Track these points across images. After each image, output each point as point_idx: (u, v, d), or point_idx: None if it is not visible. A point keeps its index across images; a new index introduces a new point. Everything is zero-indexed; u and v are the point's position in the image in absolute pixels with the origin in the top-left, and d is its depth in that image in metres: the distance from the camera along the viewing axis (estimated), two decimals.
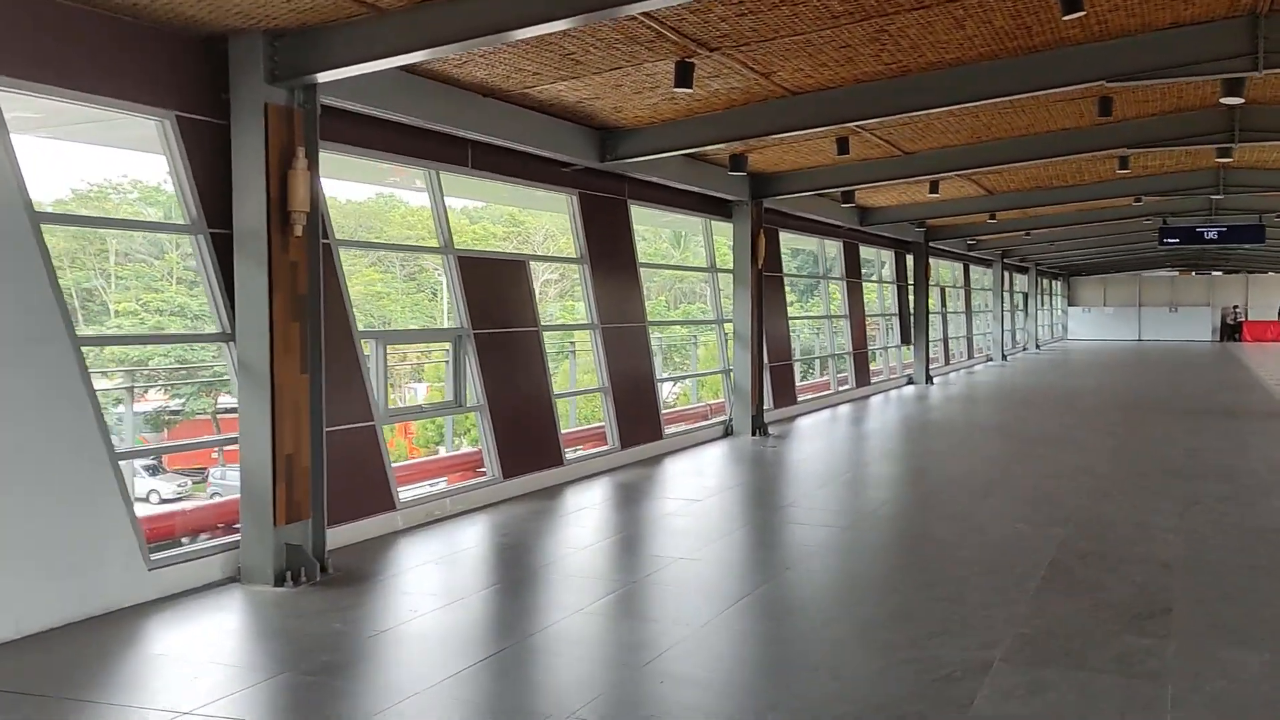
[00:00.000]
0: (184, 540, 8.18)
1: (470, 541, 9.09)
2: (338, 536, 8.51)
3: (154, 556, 7.21)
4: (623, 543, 8.97)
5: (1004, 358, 35.38)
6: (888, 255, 25.70)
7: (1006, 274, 37.02)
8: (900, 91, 10.11)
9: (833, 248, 21.79)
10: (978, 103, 10.15)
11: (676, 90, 9.25)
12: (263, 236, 7.44)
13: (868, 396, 22.54)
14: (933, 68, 9.80)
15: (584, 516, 10.07)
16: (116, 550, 6.88)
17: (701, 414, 16.28)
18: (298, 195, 7.54)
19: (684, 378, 17.48)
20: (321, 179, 7.98)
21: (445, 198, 10.57)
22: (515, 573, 7.98)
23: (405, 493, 9.94)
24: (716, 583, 7.67)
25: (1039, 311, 44.90)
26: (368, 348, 9.31)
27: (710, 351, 21.22)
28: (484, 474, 10.79)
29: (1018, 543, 8.68)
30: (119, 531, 6.89)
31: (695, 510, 10.23)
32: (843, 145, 12.90)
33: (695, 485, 11.79)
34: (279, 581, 7.49)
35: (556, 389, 12.30)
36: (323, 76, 7.50)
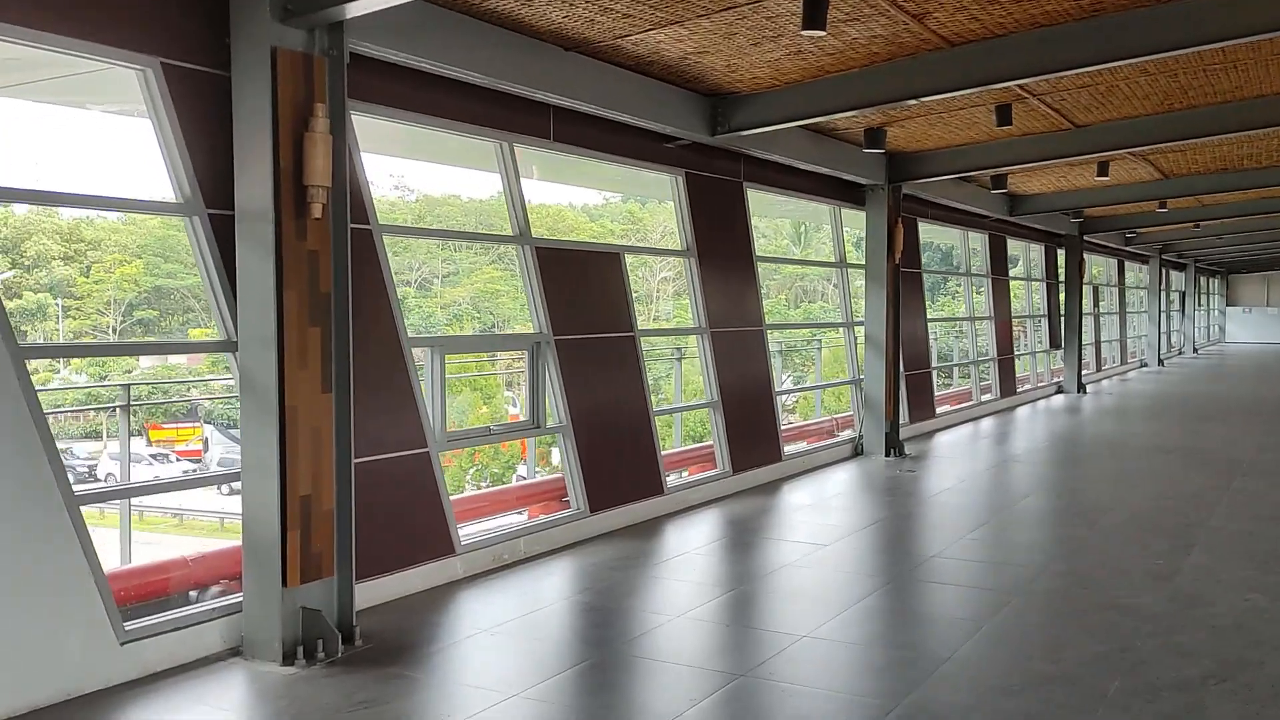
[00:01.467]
0: (193, 595, 6.62)
1: (545, 598, 7.33)
2: (376, 591, 6.87)
3: (129, 626, 5.65)
4: (731, 608, 7.07)
5: (1160, 362, 32.05)
6: (1036, 250, 23.04)
7: (1164, 271, 33.60)
8: (1091, 37, 7.91)
9: (976, 240, 19.36)
10: (1195, 49, 7.86)
11: (804, 35, 7.30)
12: (270, 219, 5.81)
13: (1013, 408, 20.04)
14: (1135, 4, 7.59)
15: (685, 565, 8.20)
16: (75, 619, 5.33)
17: (826, 429, 14.25)
18: (315, 166, 5.88)
19: (807, 389, 15.40)
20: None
21: (539, 182, 8.85)
22: (596, 650, 6.17)
23: (469, 530, 8.26)
24: (849, 680, 5.71)
25: (1195, 312, 41.02)
26: (421, 358, 7.65)
27: (835, 356, 19.17)
28: (568, 505, 9.03)
29: (1257, 622, 6.46)
30: (78, 594, 5.34)
31: (819, 561, 8.24)
32: (1003, 115, 10.69)
33: (819, 524, 9.78)
34: (289, 658, 5.87)
35: (657, 403, 10.45)
36: (352, 9, 5.80)
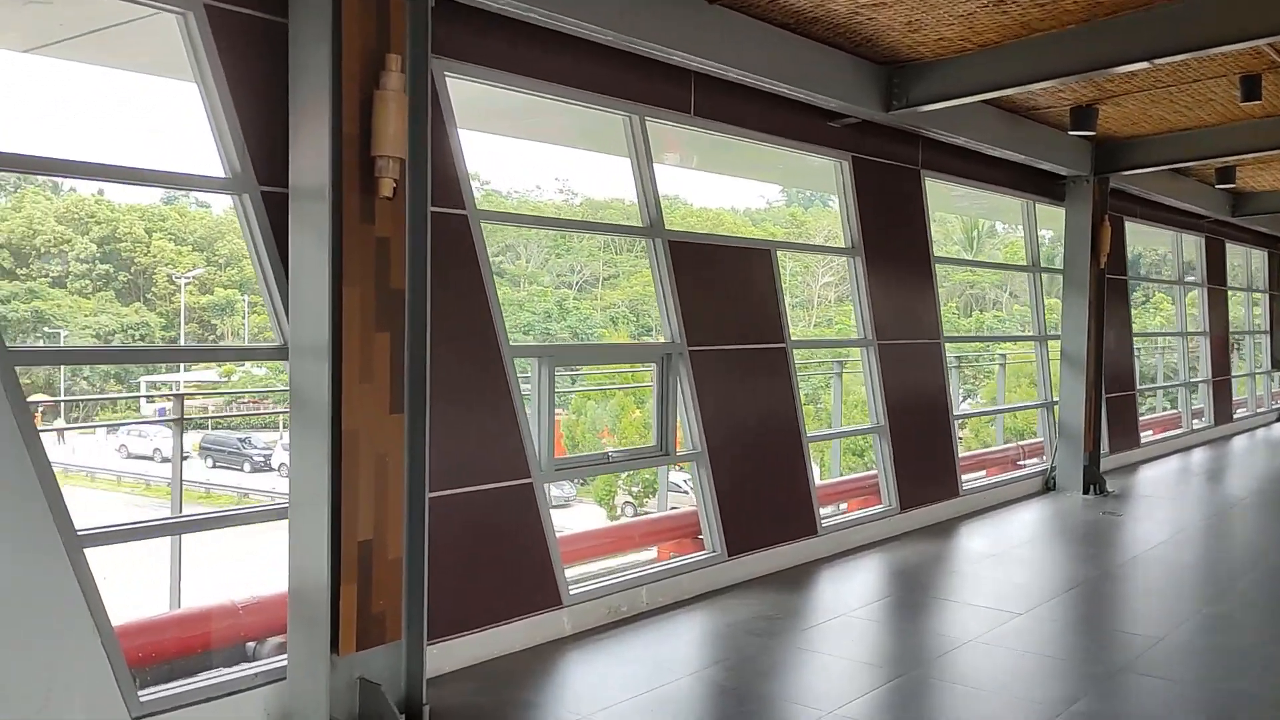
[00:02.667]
0: (250, 647, 5.58)
1: (668, 669, 5.97)
2: (458, 653, 5.68)
3: (145, 695, 4.62)
4: (897, 705, 5.54)
5: None
6: (1259, 256, 20.23)
7: None
8: None
9: (1190, 244, 16.92)
10: None
11: None
12: (326, 197, 4.67)
13: (1229, 437, 17.47)
14: None
15: (840, 633, 6.70)
16: (74, 687, 4.32)
17: (1010, 458, 12.38)
18: (386, 131, 4.72)
19: (991, 412, 13.47)
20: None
21: (689, 170, 7.55)
22: None
23: (580, 571, 7.00)
24: None
25: None
26: (525, 369, 6.46)
27: (1021, 371, 17.07)
28: (700, 542, 7.66)
29: None
30: (79, 655, 4.33)
31: (1009, 638, 6.60)
32: (1250, 87, 8.72)
33: (1006, 583, 8.08)
34: None
35: (811, 426, 8.98)
36: None
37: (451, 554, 5.73)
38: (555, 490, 33.93)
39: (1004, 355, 14.23)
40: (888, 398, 9.38)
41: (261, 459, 32.25)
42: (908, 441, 9.61)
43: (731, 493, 7.64)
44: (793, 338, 8.32)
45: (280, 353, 5.16)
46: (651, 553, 8.16)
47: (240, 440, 37.29)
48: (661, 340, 7.32)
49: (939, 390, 10.18)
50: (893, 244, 9.58)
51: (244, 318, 47.32)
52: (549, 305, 44.49)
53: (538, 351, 6.36)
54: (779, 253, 8.25)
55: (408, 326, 5.02)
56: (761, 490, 7.99)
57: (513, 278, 49.09)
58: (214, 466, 32.87)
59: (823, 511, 8.87)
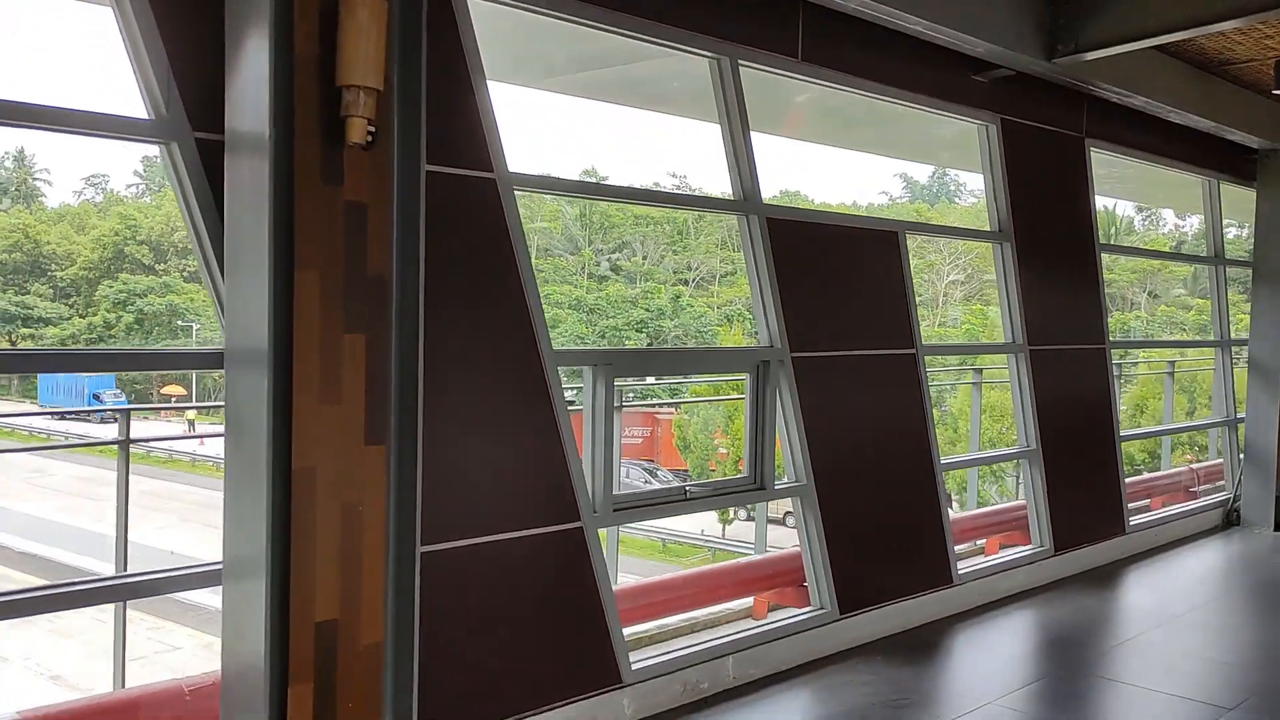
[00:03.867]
0: None
1: None
2: None
3: None
4: None
5: None
6: None
7: None
8: None
9: None
10: None
11: None
12: (266, 145, 3.28)
13: None
14: None
15: None
16: None
17: (1183, 485, 10.33)
18: (358, 53, 3.31)
19: (1166, 432, 11.31)
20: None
21: (773, 135, 6.00)
22: None
23: (643, 629, 5.50)
24: None
25: None
26: (574, 381, 5.00)
27: (1192, 382, 14.80)
28: (806, 592, 6.05)
29: None
30: None
31: None
32: None
33: (1195, 659, 6.23)
34: None
35: (943, 451, 7.27)
36: None
37: (467, 624, 4.30)
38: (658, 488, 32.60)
39: (1172, 363, 12.09)
40: (1040, 415, 7.58)
41: None
42: (1064, 468, 7.78)
43: (844, 534, 6.02)
44: (923, 342, 6.62)
45: (209, 360, 3.81)
46: (746, 602, 6.59)
47: None
48: (756, 344, 5.74)
49: (1103, 405, 8.29)
50: (1050, 228, 7.76)
51: None
52: (662, 302, 43.09)
53: (593, 358, 4.87)
54: (908, 237, 6.56)
55: (394, 326, 3.60)
56: (883, 530, 6.34)
57: (628, 274, 48.03)
58: None
59: (960, 546, 7.16)
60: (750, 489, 5.66)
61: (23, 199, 50.52)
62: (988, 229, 7.46)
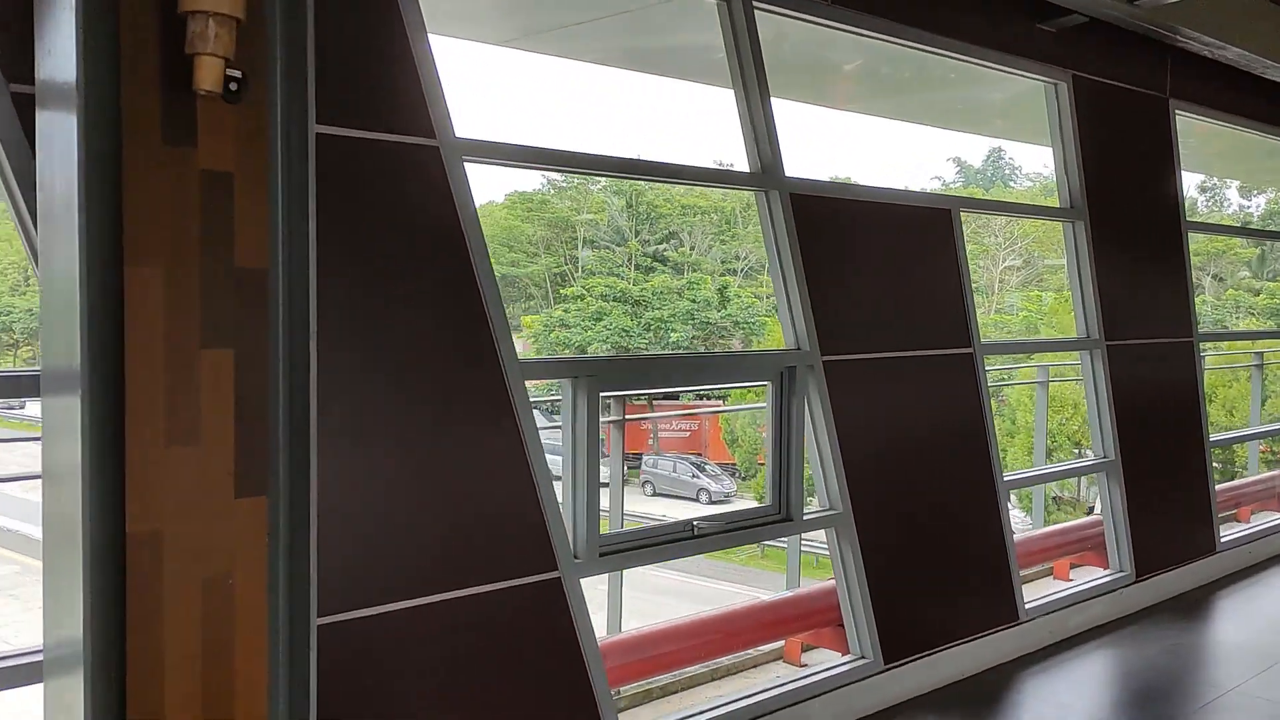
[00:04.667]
0: None
1: None
2: None
3: None
4: None
5: None
6: None
7: None
8: None
9: None
10: None
11: None
12: (74, 95, 2.37)
13: None
14: None
15: None
16: None
17: (1274, 491, 9.11)
18: None
19: (1258, 436, 10.04)
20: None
21: (798, 103, 5.00)
22: None
23: (648, 688, 4.55)
24: None
25: None
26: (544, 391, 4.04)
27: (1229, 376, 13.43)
28: (843, 631, 5.05)
29: None
30: None
31: None
32: None
33: None
34: None
35: (1007, 465, 6.12)
36: None
37: (407, 704, 3.38)
38: (715, 485, 31.43)
39: (1260, 354, 10.84)
40: (1119, 420, 6.47)
41: None
42: (1147, 480, 6.67)
43: (889, 569, 5.01)
44: (982, 339, 5.57)
45: (25, 385, 2.93)
46: (779, 645, 5.61)
47: None
48: (780, 347, 4.74)
49: (1191, 406, 7.15)
50: (1129, 204, 6.64)
51: None
52: (709, 293, 42.04)
53: (570, 368, 3.91)
54: (963, 215, 5.50)
55: (277, 337, 2.68)
56: (934, 562, 5.32)
57: (675, 264, 47.02)
58: None
59: (1025, 571, 6.12)
60: (774, 520, 4.66)
61: None
62: (1057, 206, 6.36)
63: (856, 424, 4.88)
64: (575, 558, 3.87)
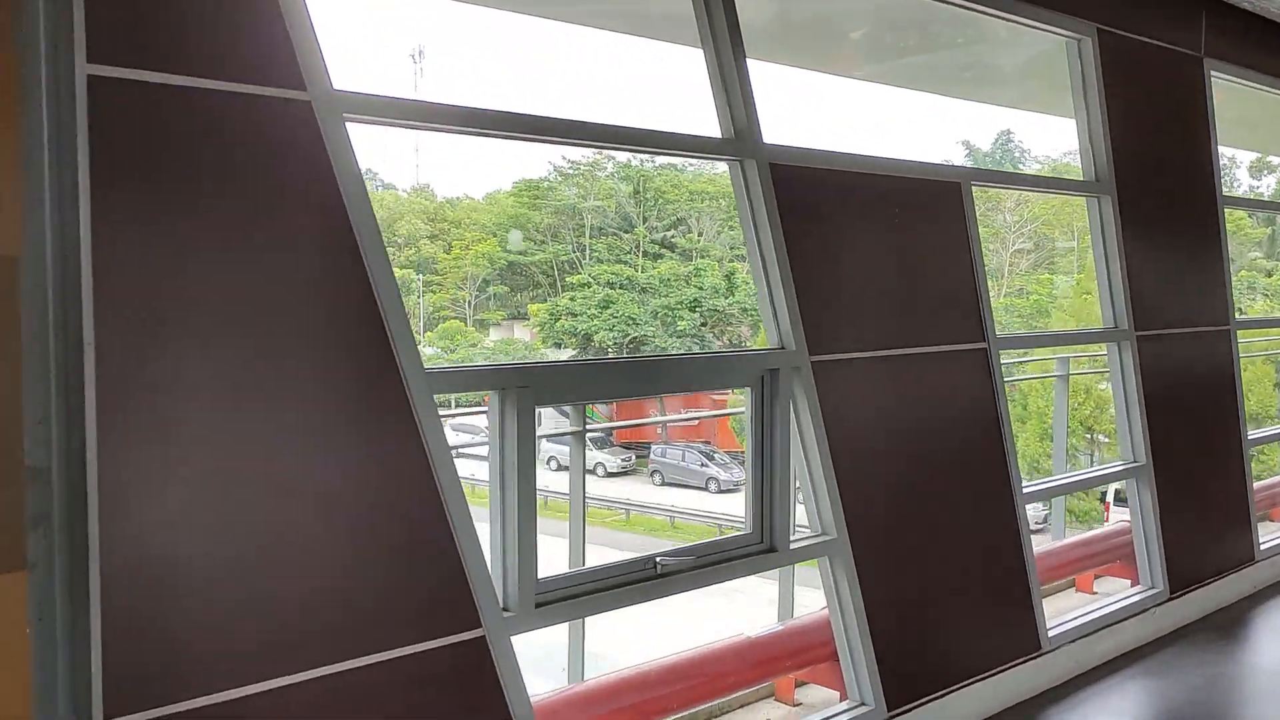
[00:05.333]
0: None
1: None
2: None
3: None
4: None
5: None
6: None
7: None
8: None
9: None
10: None
11: None
12: None
13: None
14: None
15: None
16: None
17: None
18: None
19: None
20: None
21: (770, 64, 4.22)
22: None
23: None
24: None
25: None
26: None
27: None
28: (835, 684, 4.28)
29: None
30: None
31: None
32: None
33: None
34: None
35: (1021, 459, 5.32)
36: None
37: None
38: (724, 474, 30.62)
39: None
40: (1150, 420, 5.67)
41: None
42: (1181, 484, 5.89)
43: (891, 600, 4.25)
44: (999, 334, 4.78)
45: None
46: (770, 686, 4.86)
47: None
48: (760, 347, 3.98)
49: (1227, 401, 6.35)
50: (1161, 176, 5.82)
51: (419, 297, 46.62)
52: (716, 280, 41.25)
53: (496, 379, 3.14)
54: (974, 190, 4.70)
55: (36, 350, 1.94)
56: (944, 591, 4.55)
57: (684, 250, 46.18)
58: None
59: (1046, 600, 5.34)
60: (756, 550, 3.90)
61: None
62: (1080, 179, 5.55)
63: (852, 434, 4.11)
64: (504, 610, 3.12)
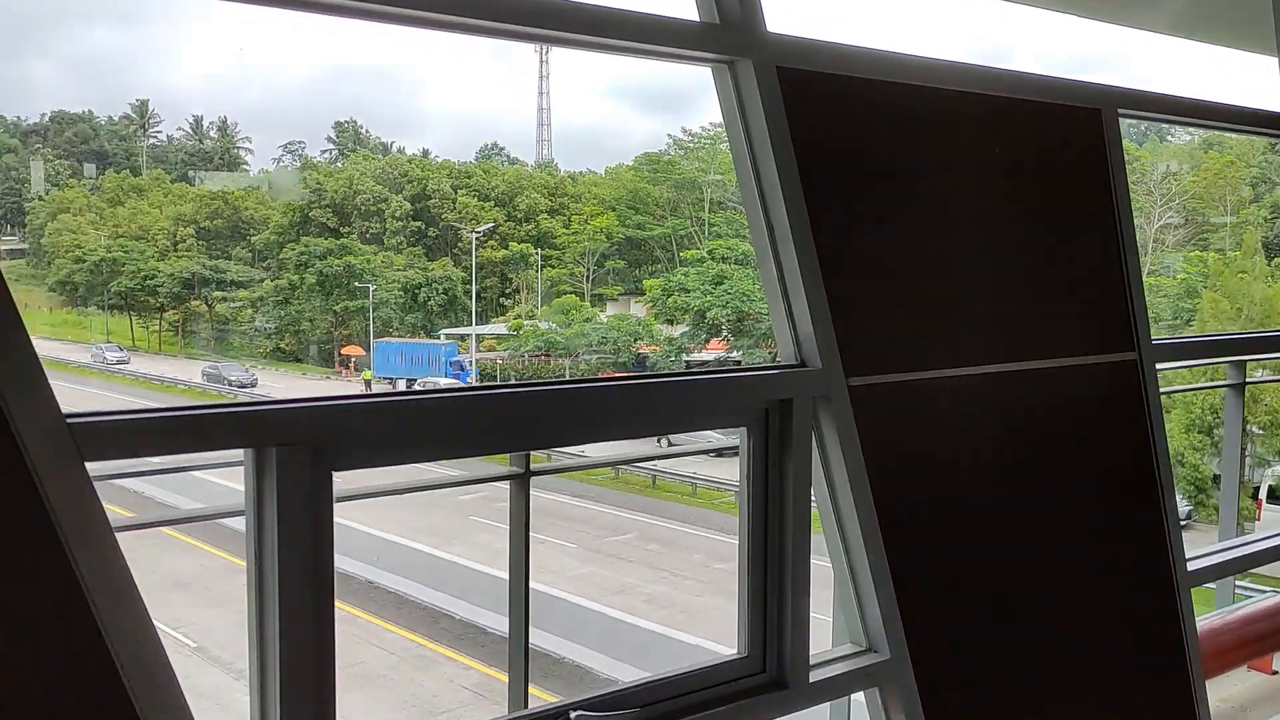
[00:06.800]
0: None
1: None
2: None
3: None
4: None
5: None
6: None
7: None
8: None
9: None
10: None
11: None
12: None
13: None
14: None
15: None
16: None
17: None
18: None
19: None
20: None
21: None
22: None
23: None
24: None
25: None
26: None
27: None
28: None
29: None
30: None
31: None
32: None
33: None
34: None
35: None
36: None
37: None
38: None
39: None
40: None
41: None
42: None
43: None
44: (1154, 337, 3.14)
45: None
46: None
47: None
48: (762, 364, 2.50)
49: None
50: None
51: (538, 270, 45.98)
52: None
53: (243, 429, 1.74)
54: (1121, 121, 3.06)
55: None
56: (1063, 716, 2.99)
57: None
58: None
59: (1209, 683, 3.70)
60: (755, 685, 2.43)
61: (225, 166, 51.83)
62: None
63: (916, 496, 2.60)
64: None
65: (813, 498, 2.51)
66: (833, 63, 2.37)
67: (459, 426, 2.00)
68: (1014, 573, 2.88)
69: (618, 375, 2.30)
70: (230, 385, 33.86)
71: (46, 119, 49.50)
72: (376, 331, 39.59)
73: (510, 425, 2.06)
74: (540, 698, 2.16)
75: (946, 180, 2.70)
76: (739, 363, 35.24)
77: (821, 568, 2.54)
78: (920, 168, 2.65)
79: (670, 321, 38.78)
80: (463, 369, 37.14)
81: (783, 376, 2.39)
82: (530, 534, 2.23)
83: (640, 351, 39.20)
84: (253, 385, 34.10)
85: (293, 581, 1.75)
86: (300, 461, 1.76)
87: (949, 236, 2.73)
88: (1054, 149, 2.92)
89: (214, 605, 16.03)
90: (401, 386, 35.09)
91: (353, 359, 39.08)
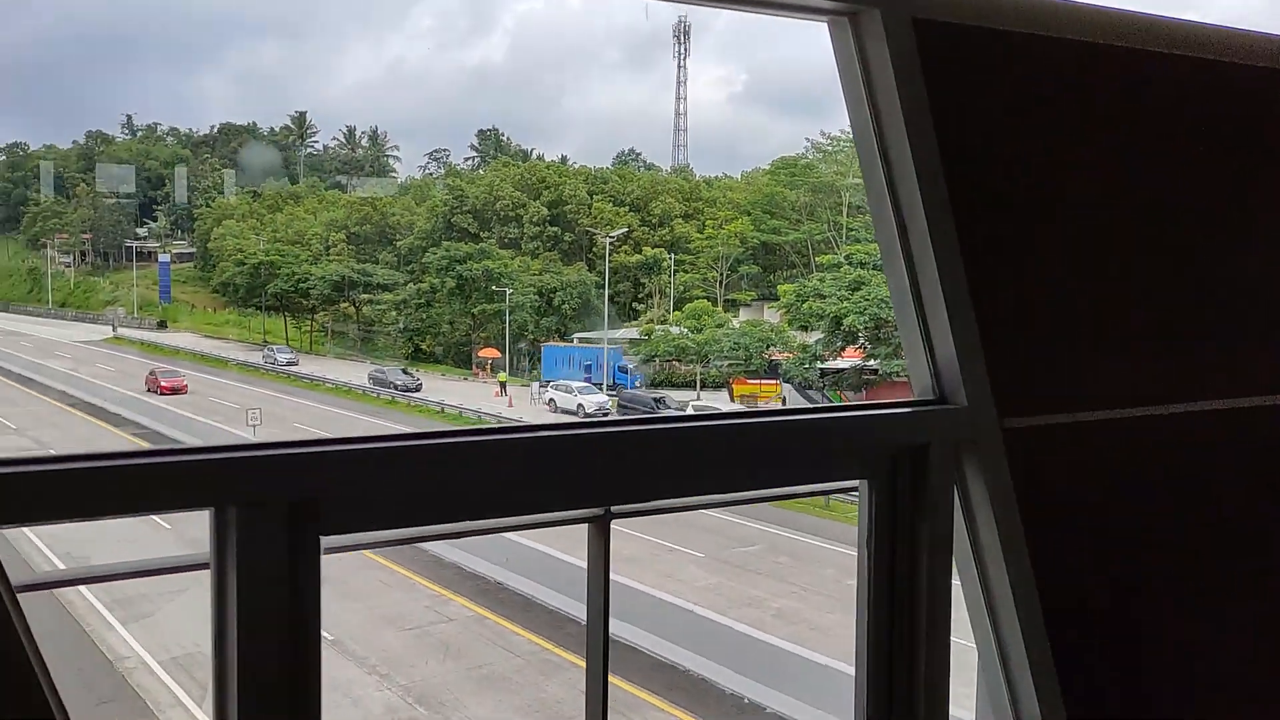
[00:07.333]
0: None
1: None
2: None
3: None
4: None
5: None
6: None
7: None
8: None
9: None
10: None
11: None
12: None
13: None
14: None
15: None
16: None
17: None
18: None
19: None
20: None
21: None
22: None
23: None
24: None
25: None
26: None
27: None
28: None
29: None
30: None
31: None
32: None
33: None
34: None
35: None
36: None
37: None
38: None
39: None
40: None
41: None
42: None
43: None
44: None
45: None
46: None
47: (655, 400, 35.26)
48: (889, 401, 1.98)
49: None
50: None
51: (670, 275, 45.69)
52: None
53: (199, 486, 1.37)
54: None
55: None
56: None
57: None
58: None
59: None
60: None
61: (376, 174, 53.55)
62: None
63: (1085, 566, 2.02)
64: None
65: (953, 565, 1.97)
66: (985, 12, 1.83)
67: (419, 490, 1.53)
68: (1208, 665, 2.26)
69: (700, 415, 1.79)
70: (396, 389, 34.74)
71: (215, 130, 52.46)
72: (512, 336, 40.08)
73: (564, 480, 1.62)
74: (663, 710, 1.74)
75: (1131, 167, 2.12)
76: (876, 371, 33.98)
77: (960, 649, 2.00)
78: (1096, 150, 2.08)
79: (805, 328, 37.78)
80: (629, 374, 37.31)
81: (917, 416, 1.87)
82: (610, 578, 1.77)
83: (773, 358, 38.39)
84: (417, 389, 34.90)
85: (257, 668, 1.35)
86: (273, 524, 1.35)
87: (1131, 240, 2.14)
88: (1274, 128, 2.29)
89: (346, 599, 16.34)
90: (571, 386, 35.27)
91: (489, 361, 39.68)
